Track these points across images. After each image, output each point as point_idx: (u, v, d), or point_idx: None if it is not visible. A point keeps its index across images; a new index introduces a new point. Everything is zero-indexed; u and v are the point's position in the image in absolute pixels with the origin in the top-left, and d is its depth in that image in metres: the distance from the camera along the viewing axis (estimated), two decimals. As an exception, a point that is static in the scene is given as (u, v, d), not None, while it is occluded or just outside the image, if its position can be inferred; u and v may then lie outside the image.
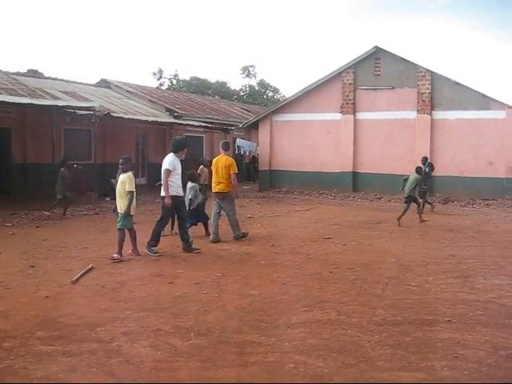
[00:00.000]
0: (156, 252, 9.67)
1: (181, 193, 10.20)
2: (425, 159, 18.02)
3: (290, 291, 7.25)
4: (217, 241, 11.21)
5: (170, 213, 10.28)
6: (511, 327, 5.82)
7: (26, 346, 5.07)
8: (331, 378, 4.43)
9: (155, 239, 9.86)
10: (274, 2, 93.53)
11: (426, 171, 17.38)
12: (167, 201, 9.79)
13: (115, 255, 9.11)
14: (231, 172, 11.32)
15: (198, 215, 11.92)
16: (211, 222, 11.63)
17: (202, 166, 15.63)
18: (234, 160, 11.62)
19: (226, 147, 11.81)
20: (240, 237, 11.40)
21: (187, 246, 10.02)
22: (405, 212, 14.66)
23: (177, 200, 9.96)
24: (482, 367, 4.69)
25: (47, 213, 14.78)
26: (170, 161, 9.93)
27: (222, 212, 11.59)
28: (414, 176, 14.99)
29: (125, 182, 9.33)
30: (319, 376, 4.46)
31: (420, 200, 16.51)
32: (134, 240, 9.59)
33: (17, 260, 9.08)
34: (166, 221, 10.33)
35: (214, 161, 11.74)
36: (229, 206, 11.50)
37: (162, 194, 9.95)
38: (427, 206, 17.45)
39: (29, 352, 4.91)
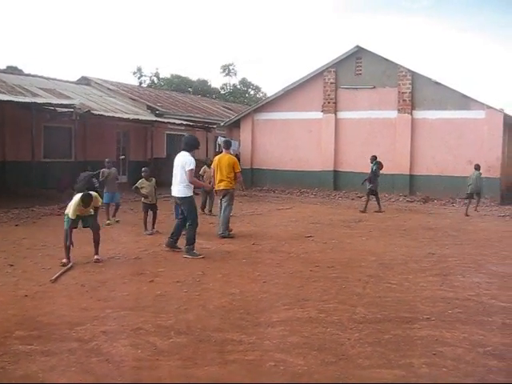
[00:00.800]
0: (198, 254, 9.48)
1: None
2: (373, 158, 17.91)
3: (271, 290, 7.27)
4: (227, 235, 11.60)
5: (196, 212, 9.89)
6: (489, 325, 5.89)
7: (4, 345, 5.02)
8: (311, 375, 4.46)
9: (192, 242, 9.58)
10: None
11: (373, 170, 17.39)
12: (206, 185, 10.24)
13: (97, 257, 8.92)
14: (236, 171, 11.61)
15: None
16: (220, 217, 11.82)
17: (205, 167, 15.52)
18: (236, 158, 11.89)
19: (227, 146, 12.06)
20: (225, 236, 11.42)
21: (172, 242, 9.90)
22: (469, 204, 17.18)
23: (191, 199, 9.73)
24: (460, 364, 4.74)
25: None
26: (191, 160, 9.49)
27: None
28: (475, 173, 17.18)
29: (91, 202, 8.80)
30: (299, 374, 4.48)
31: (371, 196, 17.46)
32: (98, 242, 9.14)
33: (-5, 259, 8.98)
34: (197, 222, 9.79)
35: (216, 159, 11.89)
36: (227, 202, 11.67)
37: (181, 194, 9.58)
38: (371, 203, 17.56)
39: (7, 351, 4.86)
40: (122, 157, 14.35)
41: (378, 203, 17.44)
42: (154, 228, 12.01)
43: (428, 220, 15.40)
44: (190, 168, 9.45)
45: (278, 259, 9.37)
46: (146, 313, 6.11)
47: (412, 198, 21.44)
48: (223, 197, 11.69)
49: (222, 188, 11.67)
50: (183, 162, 9.53)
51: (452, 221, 15.33)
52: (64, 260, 8.63)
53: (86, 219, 8.97)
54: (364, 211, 16.96)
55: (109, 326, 5.62)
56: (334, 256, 9.73)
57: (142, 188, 12.05)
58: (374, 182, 17.42)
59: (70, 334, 5.36)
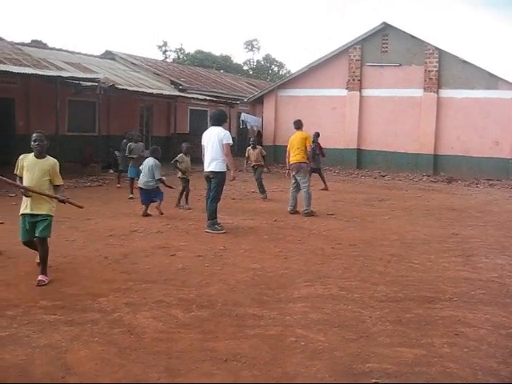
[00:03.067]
0: (221, 228, 9.46)
1: None
2: (316, 135, 17.48)
3: (292, 266, 7.27)
4: (294, 212, 11.72)
5: (222, 188, 9.78)
6: (512, 306, 5.84)
7: (28, 314, 5.10)
8: (332, 352, 4.46)
9: (214, 217, 9.51)
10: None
11: (312, 147, 16.86)
12: (234, 174, 9.85)
13: (42, 278, 6.11)
14: (307, 144, 11.68)
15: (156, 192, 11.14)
16: (290, 194, 11.94)
17: (249, 148, 14.86)
18: (309, 134, 12.03)
19: (298, 125, 12.19)
20: (309, 214, 11.38)
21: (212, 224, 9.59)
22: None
23: (225, 175, 9.64)
24: (482, 345, 4.70)
25: (118, 185, 15.58)
26: (228, 135, 9.54)
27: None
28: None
29: (48, 170, 6.27)
30: (320, 350, 4.49)
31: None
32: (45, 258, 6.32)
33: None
34: (219, 198, 9.73)
35: (290, 139, 12.05)
36: (303, 179, 11.70)
37: (218, 169, 9.46)
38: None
39: (32, 321, 4.93)
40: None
41: (323, 181, 17.12)
42: (187, 203, 12.03)
43: (452, 200, 15.24)
44: (229, 142, 9.47)
45: (299, 236, 9.36)
46: (168, 286, 6.16)
47: (436, 178, 21.24)
48: (297, 173, 11.71)
49: (293, 162, 11.73)
50: (220, 136, 9.43)
51: (476, 202, 15.15)
52: None
53: (37, 224, 6.28)
54: (326, 188, 16.69)
55: (131, 298, 5.67)
56: (356, 234, 9.69)
57: (181, 163, 12.01)
58: (315, 160, 16.57)
59: (93, 305, 5.42)
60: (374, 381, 3.98)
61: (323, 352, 4.46)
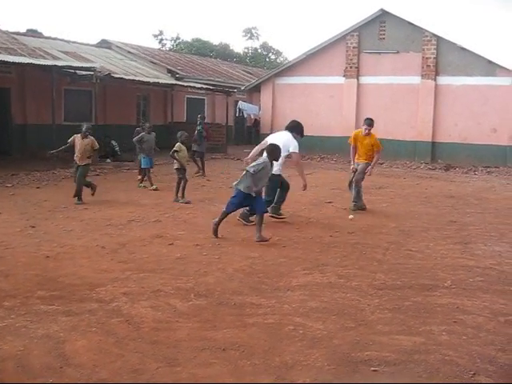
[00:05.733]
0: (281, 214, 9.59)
1: None
2: (201, 117, 16.81)
3: (291, 254, 7.26)
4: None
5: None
6: (510, 294, 5.82)
7: (26, 305, 5.08)
8: (330, 340, 4.45)
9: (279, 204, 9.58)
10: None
11: (199, 130, 16.30)
12: (305, 183, 9.63)
13: None
14: (375, 149, 11.23)
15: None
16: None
17: (78, 135, 11.27)
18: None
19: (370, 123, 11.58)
20: (356, 208, 11.00)
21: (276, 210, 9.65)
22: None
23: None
24: (480, 332, 4.70)
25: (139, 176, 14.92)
26: (296, 144, 9.47)
27: None
28: None
29: None
30: (318, 338, 4.48)
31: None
32: None
33: (17, 220, 9.07)
34: (272, 199, 9.53)
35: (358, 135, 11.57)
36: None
37: (276, 172, 9.15)
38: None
39: (29, 311, 4.92)
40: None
41: (203, 167, 16.33)
42: (183, 196, 11.31)
43: (449, 188, 15.22)
44: (295, 151, 9.43)
45: (297, 224, 9.35)
46: (165, 275, 6.14)
47: (433, 166, 21.21)
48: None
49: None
50: (286, 144, 9.28)
51: (474, 189, 15.14)
52: None
53: None
54: (198, 173, 16.02)
55: (129, 288, 5.66)
56: (354, 222, 9.67)
57: (178, 152, 11.32)
58: (201, 144, 16.26)
59: (91, 295, 5.41)
60: (372, 369, 3.98)
61: (322, 340, 4.46)
